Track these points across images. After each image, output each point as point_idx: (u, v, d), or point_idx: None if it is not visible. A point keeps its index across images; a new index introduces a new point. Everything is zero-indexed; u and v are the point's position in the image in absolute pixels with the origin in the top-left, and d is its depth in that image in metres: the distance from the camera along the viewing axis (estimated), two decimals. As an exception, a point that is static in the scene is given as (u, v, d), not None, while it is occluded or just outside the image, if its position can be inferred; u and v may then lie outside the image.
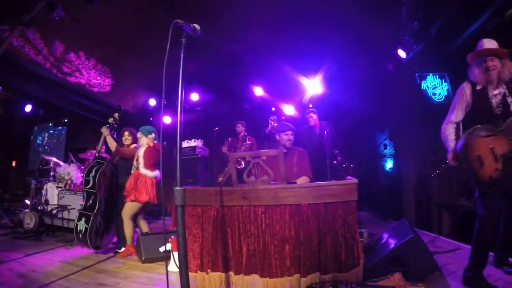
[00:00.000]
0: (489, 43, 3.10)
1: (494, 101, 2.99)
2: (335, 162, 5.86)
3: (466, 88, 3.14)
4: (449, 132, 3.20)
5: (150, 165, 4.83)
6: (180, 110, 1.82)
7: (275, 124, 6.01)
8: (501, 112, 2.96)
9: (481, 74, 3.03)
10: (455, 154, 3.09)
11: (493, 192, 2.86)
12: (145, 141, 4.90)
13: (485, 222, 2.90)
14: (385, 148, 7.96)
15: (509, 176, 2.80)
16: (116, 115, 5.05)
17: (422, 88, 6.63)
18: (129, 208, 4.69)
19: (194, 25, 2.06)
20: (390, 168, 7.87)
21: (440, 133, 3.27)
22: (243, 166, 5.56)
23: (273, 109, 8.28)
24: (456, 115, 3.17)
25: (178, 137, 1.79)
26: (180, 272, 1.81)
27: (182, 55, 1.94)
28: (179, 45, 1.96)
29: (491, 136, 2.88)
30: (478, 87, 3.07)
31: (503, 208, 3.04)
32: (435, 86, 6.60)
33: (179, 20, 1.94)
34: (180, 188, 1.76)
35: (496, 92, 3.01)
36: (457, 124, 3.22)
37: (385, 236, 4.12)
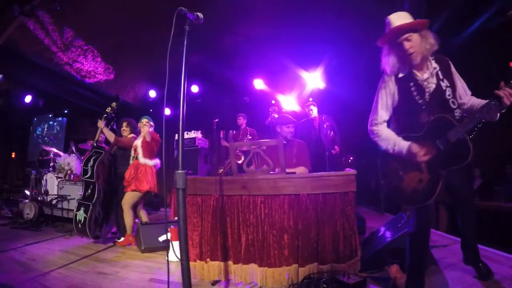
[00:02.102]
0: (399, 19, 2.42)
1: (426, 87, 2.44)
2: (333, 151, 5.83)
3: (388, 79, 2.54)
4: (387, 132, 2.54)
5: (149, 155, 4.86)
6: (183, 97, 1.83)
7: (276, 116, 6.03)
8: (429, 100, 2.42)
9: (400, 60, 2.45)
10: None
11: (426, 205, 2.39)
12: (147, 129, 4.92)
13: (416, 240, 2.52)
14: (385, 144, 7.96)
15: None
16: (114, 104, 5.03)
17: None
18: (129, 197, 4.72)
19: (197, 13, 2.06)
20: (389, 164, 7.87)
21: (373, 139, 2.62)
22: (243, 160, 5.59)
23: (273, 102, 8.28)
24: (381, 114, 2.57)
25: (181, 122, 1.80)
26: (181, 256, 1.83)
27: (186, 42, 1.95)
28: (182, 33, 1.97)
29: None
30: (401, 75, 2.50)
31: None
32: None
33: (183, 8, 1.95)
34: (182, 171, 1.78)
35: (426, 75, 2.44)
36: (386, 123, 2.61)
37: (382, 229, 4.13)
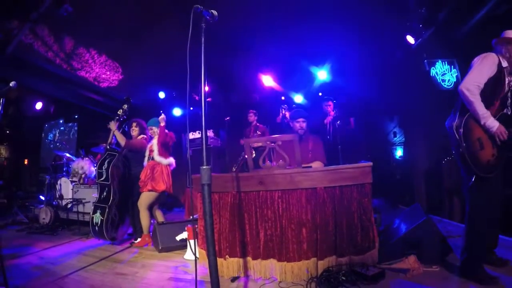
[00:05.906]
0: None
1: (507, 86, 2.86)
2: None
3: (496, 59, 2.85)
4: (479, 97, 2.78)
5: (163, 152, 4.90)
6: (204, 93, 1.86)
7: (287, 113, 6.05)
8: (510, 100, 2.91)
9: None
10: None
11: (493, 177, 2.79)
12: (157, 131, 4.97)
13: (481, 211, 2.82)
14: (395, 136, 7.94)
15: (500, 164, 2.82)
16: (125, 106, 5.05)
17: (431, 74, 6.59)
18: (145, 198, 4.75)
19: (212, 11, 2.09)
20: (400, 156, 7.85)
21: (462, 94, 2.81)
22: (254, 155, 5.61)
23: (282, 98, 8.29)
24: (481, 81, 2.80)
25: (203, 117, 1.83)
26: (208, 251, 1.85)
27: (203, 39, 1.97)
28: (199, 30, 2.00)
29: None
30: (504, 64, 2.86)
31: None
32: (444, 73, 6.56)
33: (199, 6, 1.97)
34: (207, 167, 1.80)
35: (508, 79, 2.87)
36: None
37: (397, 221, 4.15)
